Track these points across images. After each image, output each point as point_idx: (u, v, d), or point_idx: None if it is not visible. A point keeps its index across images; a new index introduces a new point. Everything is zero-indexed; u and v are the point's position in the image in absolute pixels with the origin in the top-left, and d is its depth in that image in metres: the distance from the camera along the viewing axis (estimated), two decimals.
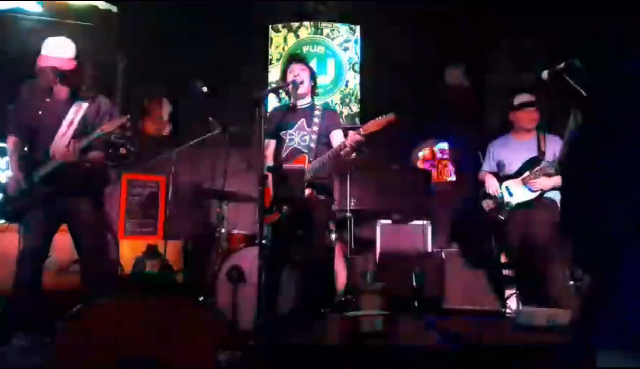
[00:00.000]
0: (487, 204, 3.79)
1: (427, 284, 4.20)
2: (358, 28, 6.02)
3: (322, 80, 5.70)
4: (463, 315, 4.33)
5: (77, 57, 2.91)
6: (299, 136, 3.25)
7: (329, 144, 3.29)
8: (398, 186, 5.25)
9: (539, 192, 3.56)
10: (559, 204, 3.55)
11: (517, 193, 3.64)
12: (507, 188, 3.69)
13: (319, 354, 1.54)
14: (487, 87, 5.81)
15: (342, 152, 3.04)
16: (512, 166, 3.73)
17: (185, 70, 5.62)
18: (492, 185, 3.76)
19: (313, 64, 6.13)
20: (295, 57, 3.44)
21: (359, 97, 5.92)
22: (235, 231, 4.68)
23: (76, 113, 2.90)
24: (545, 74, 3.17)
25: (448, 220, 5.49)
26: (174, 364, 1.57)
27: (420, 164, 5.97)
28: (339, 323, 1.78)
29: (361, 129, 2.97)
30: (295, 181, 3.01)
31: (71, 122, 2.88)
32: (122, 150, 5.33)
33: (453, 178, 5.89)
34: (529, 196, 3.59)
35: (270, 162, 3.30)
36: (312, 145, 3.19)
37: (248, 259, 3.85)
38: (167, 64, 5.65)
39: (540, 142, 3.69)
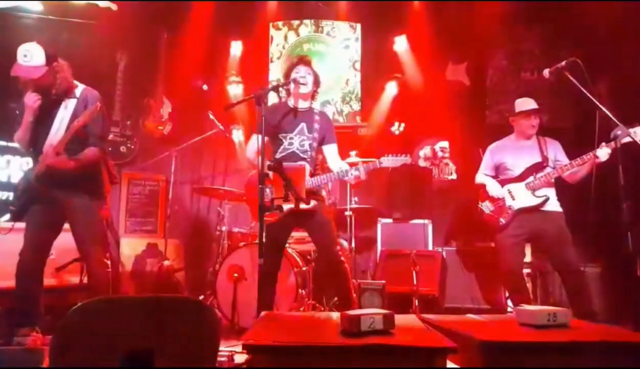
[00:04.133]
0: (487, 206, 3.72)
1: (427, 283, 4.20)
2: (359, 26, 6.01)
3: (322, 78, 5.71)
4: (463, 314, 4.33)
5: (48, 62, 2.91)
6: (299, 141, 3.23)
7: (320, 149, 3.33)
8: (399, 185, 5.25)
9: (544, 197, 3.53)
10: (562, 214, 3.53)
11: (520, 197, 3.58)
12: (510, 191, 3.63)
13: (318, 353, 1.53)
14: (487, 85, 5.79)
15: (346, 179, 3.12)
16: (515, 169, 3.67)
17: (185, 69, 5.63)
18: (494, 188, 3.69)
19: (314, 63, 6.24)
20: (301, 60, 3.35)
21: (359, 96, 5.92)
22: (236, 230, 4.68)
23: (65, 111, 2.99)
24: (546, 72, 3.15)
25: (449, 219, 5.50)
26: (173, 363, 1.56)
27: (421, 163, 5.96)
28: (339, 322, 1.77)
29: (377, 162, 3.07)
30: (297, 179, 3.00)
31: (62, 120, 2.97)
32: (122, 148, 5.35)
33: (454, 177, 5.89)
34: (533, 201, 3.54)
35: (252, 156, 3.28)
36: (312, 153, 3.22)
37: (248, 257, 3.86)
38: (167, 62, 5.65)
39: (541, 146, 3.66)
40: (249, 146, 3.42)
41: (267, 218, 3.10)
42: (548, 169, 3.57)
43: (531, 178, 3.58)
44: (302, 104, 3.32)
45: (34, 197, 2.96)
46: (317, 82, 3.33)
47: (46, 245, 3.03)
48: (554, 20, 5.42)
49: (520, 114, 3.68)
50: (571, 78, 2.99)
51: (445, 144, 5.95)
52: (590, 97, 2.92)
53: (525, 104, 3.69)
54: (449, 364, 1.59)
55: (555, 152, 3.65)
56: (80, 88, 3.09)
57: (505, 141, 3.87)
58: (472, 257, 4.63)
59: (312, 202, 3.13)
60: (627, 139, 3.04)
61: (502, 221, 3.60)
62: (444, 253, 4.65)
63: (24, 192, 2.98)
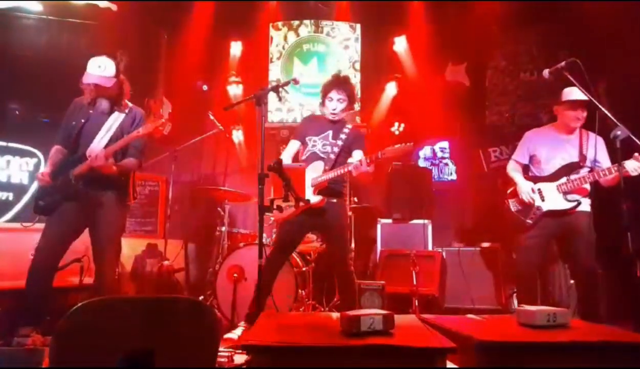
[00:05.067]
0: (514, 204, 3.49)
1: (427, 283, 4.19)
2: (358, 26, 6.01)
3: (322, 79, 5.72)
4: (463, 314, 4.33)
5: (117, 75, 3.14)
6: (321, 144, 3.36)
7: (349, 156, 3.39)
8: (399, 185, 5.24)
9: (575, 202, 3.28)
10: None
11: (550, 199, 3.33)
12: (540, 191, 3.37)
13: (318, 354, 1.53)
14: (487, 86, 5.80)
15: (349, 170, 3.11)
16: (549, 166, 3.40)
17: (185, 69, 5.63)
18: (525, 191, 3.40)
19: (313, 63, 6.28)
20: (336, 82, 3.39)
21: (359, 96, 5.91)
22: (235, 230, 4.69)
23: (114, 122, 3.17)
24: (546, 73, 3.14)
25: (449, 219, 5.50)
26: (173, 363, 1.57)
27: (421, 163, 5.97)
28: (339, 322, 1.77)
29: (379, 154, 3.04)
30: (296, 179, 3.02)
31: (108, 130, 3.14)
32: None
33: (454, 177, 5.89)
34: (563, 205, 3.29)
35: (287, 160, 3.37)
36: (332, 156, 3.29)
37: (248, 258, 3.87)
38: (168, 62, 5.65)
39: (582, 143, 3.36)
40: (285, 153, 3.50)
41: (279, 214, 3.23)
42: (583, 171, 3.29)
43: (564, 179, 3.32)
44: (335, 117, 3.42)
45: (68, 196, 3.03)
46: (351, 101, 3.41)
47: (67, 244, 3.08)
48: (553, 20, 5.42)
49: (565, 103, 3.36)
50: (571, 78, 2.98)
51: (445, 144, 5.96)
52: (590, 97, 2.92)
53: (574, 93, 3.31)
54: (449, 364, 1.59)
55: (597, 151, 3.31)
56: (129, 105, 3.29)
57: (546, 129, 3.57)
58: (472, 258, 4.63)
59: (318, 198, 3.20)
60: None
61: (529, 222, 3.37)
62: (444, 253, 4.65)
63: (57, 189, 3.04)
